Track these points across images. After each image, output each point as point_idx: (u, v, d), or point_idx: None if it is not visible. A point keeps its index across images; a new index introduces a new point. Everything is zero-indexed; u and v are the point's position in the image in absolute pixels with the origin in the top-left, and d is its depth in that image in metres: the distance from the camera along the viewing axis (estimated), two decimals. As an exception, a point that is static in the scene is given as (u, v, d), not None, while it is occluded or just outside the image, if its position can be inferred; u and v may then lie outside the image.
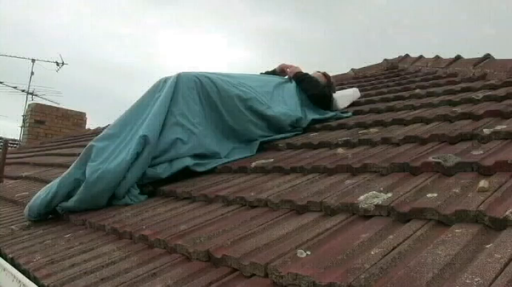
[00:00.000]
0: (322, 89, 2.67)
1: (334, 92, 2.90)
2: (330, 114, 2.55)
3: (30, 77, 9.20)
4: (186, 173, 1.99)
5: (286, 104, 2.45)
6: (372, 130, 1.99)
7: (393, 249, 0.84)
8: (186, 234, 1.24)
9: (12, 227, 1.89)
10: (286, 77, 2.88)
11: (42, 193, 1.93)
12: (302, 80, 2.68)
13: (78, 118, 8.76)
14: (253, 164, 1.86)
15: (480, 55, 2.91)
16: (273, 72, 2.96)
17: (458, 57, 3.20)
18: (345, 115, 2.56)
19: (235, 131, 2.21)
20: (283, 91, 2.55)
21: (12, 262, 1.39)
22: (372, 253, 0.83)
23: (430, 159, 1.30)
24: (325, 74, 2.97)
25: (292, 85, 2.65)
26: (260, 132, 2.27)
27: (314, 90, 2.62)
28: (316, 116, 2.50)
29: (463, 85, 2.45)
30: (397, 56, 4.22)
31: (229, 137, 2.21)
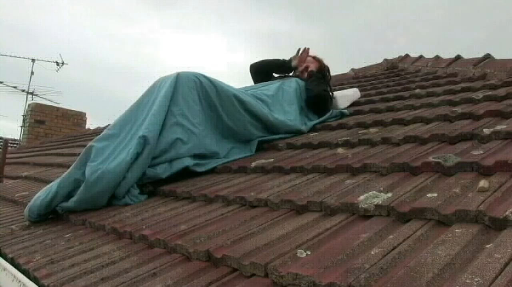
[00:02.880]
0: (323, 91, 2.62)
1: (330, 79, 2.87)
2: (328, 115, 2.55)
3: (30, 77, 9.22)
4: (186, 173, 1.98)
5: (285, 113, 2.42)
6: (372, 130, 1.99)
7: (393, 249, 0.84)
8: (186, 234, 1.24)
9: (12, 227, 1.89)
10: (292, 74, 2.83)
11: (42, 194, 1.93)
12: (311, 81, 2.67)
13: (78, 118, 8.76)
14: (253, 164, 1.86)
15: (480, 55, 2.91)
16: (284, 63, 2.90)
17: (458, 57, 3.20)
18: (344, 111, 2.58)
19: (234, 131, 2.21)
20: (282, 96, 2.51)
21: (12, 262, 1.39)
22: (372, 253, 0.83)
23: (430, 159, 1.30)
24: (315, 58, 2.89)
25: (292, 89, 2.60)
26: (259, 133, 2.27)
27: (314, 90, 2.60)
28: (317, 121, 2.50)
29: (463, 85, 2.45)
30: (397, 56, 4.23)
31: (228, 137, 2.21)
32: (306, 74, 2.80)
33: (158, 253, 1.20)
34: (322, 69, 2.86)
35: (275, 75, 2.99)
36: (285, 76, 2.90)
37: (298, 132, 2.37)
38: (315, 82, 2.67)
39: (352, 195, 1.20)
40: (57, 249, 1.42)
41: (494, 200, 0.94)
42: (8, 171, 3.96)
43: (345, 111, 2.61)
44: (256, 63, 3.01)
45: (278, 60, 2.95)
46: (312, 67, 2.84)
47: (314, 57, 2.92)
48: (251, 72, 3.02)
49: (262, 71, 2.96)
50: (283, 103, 2.48)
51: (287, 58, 2.92)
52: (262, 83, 2.70)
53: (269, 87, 2.55)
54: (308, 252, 0.92)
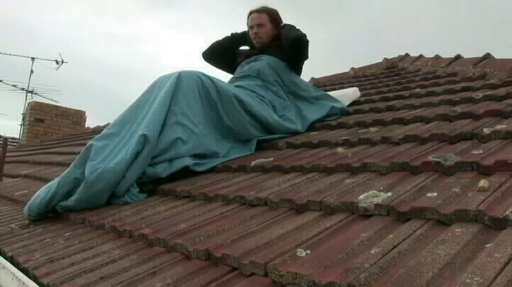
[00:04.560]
0: (300, 35, 2.46)
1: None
2: (327, 110, 2.50)
3: (30, 76, 9.20)
4: (186, 172, 1.98)
5: (282, 111, 2.39)
6: (372, 129, 1.99)
7: (393, 248, 0.84)
8: (186, 233, 1.24)
9: (12, 225, 1.89)
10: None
11: (41, 193, 1.93)
12: (284, 31, 2.49)
13: (78, 116, 8.75)
14: (253, 163, 1.86)
15: (480, 54, 2.91)
16: (237, 35, 2.72)
17: (458, 57, 3.20)
18: (338, 105, 2.54)
19: (233, 131, 2.20)
20: (276, 98, 2.45)
21: (11, 260, 1.39)
22: (372, 252, 0.83)
23: (430, 158, 1.30)
24: (268, 13, 2.60)
25: (283, 92, 2.51)
26: (258, 133, 2.26)
27: (291, 35, 2.46)
28: (314, 118, 2.46)
29: (463, 84, 2.45)
30: (397, 55, 4.22)
31: (227, 136, 2.20)
32: (263, 38, 2.56)
33: (158, 252, 1.20)
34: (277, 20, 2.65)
35: (240, 50, 2.78)
36: (250, 56, 2.64)
37: (297, 133, 2.35)
38: (288, 30, 2.51)
39: (352, 194, 1.20)
40: (57, 247, 1.42)
41: (494, 199, 0.94)
42: (7, 170, 3.95)
43: (345, 106, 2.57)
44: (208, 49, 2.73)
45: (228, 36, 2.73)
46: (263, 20, 2.59)
47: (269, 12, 2.62)
48: (210, 60, 2.75)
49: (220, 53, 2.72)
50: (277, 105, 2.43)
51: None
52: (241, 80, 2.49)
53: (254, 87, 2.42)
54: (308, 251, 0.92)
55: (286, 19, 2.66)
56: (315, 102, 2.52)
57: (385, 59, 4.28)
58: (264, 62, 2.50)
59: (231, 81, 2.55)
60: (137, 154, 1.85)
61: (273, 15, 2.62)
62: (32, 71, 9.17)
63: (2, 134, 9.35)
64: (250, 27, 2.63)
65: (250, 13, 2.64)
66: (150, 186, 1.94)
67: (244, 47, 2.80)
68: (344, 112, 2.56)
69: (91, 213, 1.74)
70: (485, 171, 1.14)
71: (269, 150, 2.16)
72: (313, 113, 2.47)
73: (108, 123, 2.18)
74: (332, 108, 2.53)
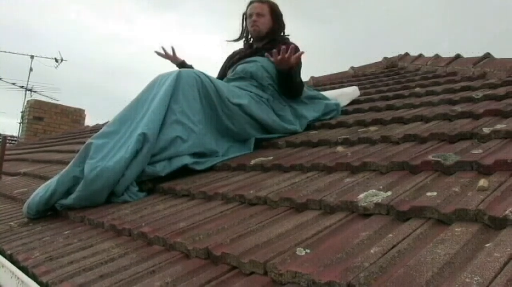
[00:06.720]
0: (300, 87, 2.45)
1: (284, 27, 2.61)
2: (321, 108, 2.50)
3: (29, 74, 9.19)
4: (185, 171, 1.98)
5: (278, 115, 2.37)
6: (372, 128, 1.99)
7: (392, 247, 0.84)
8: (185, 231, 1.24)
9: (11, 223, 1.88)
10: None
11: (40, 191, 1.92)
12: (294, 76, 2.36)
13: (77, 114, 8.74)
14: (253, 162, 1.86)
15: (480, 54, 2.91)
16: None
17: (457, 56, 3.20)
18: (332, 103, 2.55)
19: (232, 131, 2.19)
20: (272, 100, 2.39)
21: (10, 258, 1.39)
22: (372, 251, 0.83)
23: (430, 157, 1.30)
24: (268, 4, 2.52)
25: (278, 94, 2.44)
26: (257, 133, 2.26)
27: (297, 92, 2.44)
28: (311, 117, 2.45)
29: (463, 84, 2.45)
30: (396, 55, 4.22)
31: (226, 135, 2.20)
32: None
33: (157, 250, 1.20)
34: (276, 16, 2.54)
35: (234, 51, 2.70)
36: (244, 57, 2.55)
37: (296, 133, 2.35)
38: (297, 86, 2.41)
39: (351, 193, 1.20)
40: (56, 246, 1.42)
41: (494, 199, 0.94)
42: (6, 168, 3.95)
43: (339, 104, 2.57)
44: None
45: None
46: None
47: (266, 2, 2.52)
48: None
49: None
50: (274, 106, 2.41)
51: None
52: (236, 81, 2.41)
53: (251, 87, 2.36)
54: (308, 250, 0.92)
55: (286, 18, 2.65)
56: (309, 102, 2.52)
57: (385, 58, 4.28)
58: (258, 64, 2.43)
59: (226, 82, 2.52)
60: (136, 153, 1.85)
61: (274, 8, 2.57)
62: (31, 69, 9.17)
63: (1, 132, 9.36)
64: (249, 15, 2.56)
65: (251, 2, 2.59)
66: (150, 184, 1.94)
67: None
68: (339, 109, 2.56)
69: (90, 212, 1.74)
70: (485, 171, 1.14)
71: (269, 149, 2.16)
72: (309, 112, 2.46)
73: (107, 122, 2.17)
74: (326, 106, 2.53)
